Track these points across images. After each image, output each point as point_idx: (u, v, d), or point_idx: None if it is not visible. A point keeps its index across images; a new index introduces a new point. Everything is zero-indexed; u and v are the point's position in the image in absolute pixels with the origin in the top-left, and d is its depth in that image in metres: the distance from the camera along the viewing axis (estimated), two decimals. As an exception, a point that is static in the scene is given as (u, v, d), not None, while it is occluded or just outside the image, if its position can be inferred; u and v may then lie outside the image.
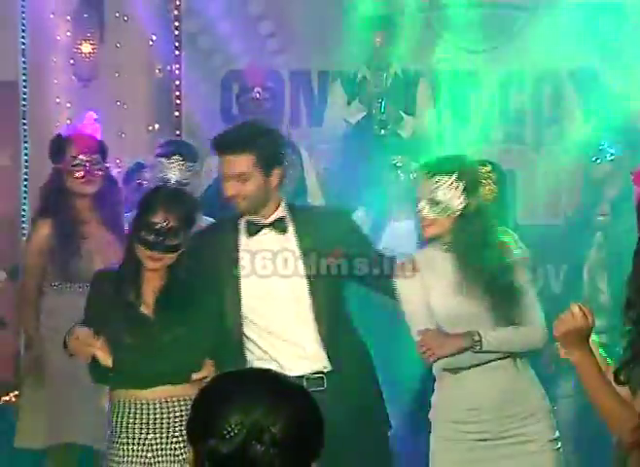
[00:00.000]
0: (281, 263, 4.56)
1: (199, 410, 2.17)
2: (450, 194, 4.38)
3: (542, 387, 4.50)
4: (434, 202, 4.38)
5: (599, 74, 7.03)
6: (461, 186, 4.36)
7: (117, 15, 7.29)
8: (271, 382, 2.22)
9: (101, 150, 5.26)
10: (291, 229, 4.56)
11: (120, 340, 4.32)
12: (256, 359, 4.57)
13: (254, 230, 4.50)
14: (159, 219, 4.28)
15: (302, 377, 4.48)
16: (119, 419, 4.24)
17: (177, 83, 7.43)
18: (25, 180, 7.06)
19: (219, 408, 2.14)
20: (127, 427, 4.14)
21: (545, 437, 4.36)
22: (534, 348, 4.43)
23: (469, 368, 4.36)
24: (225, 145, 4.49)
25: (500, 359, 4.37)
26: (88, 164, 5.17)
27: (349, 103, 7.26)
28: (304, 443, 2.12)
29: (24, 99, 7.21)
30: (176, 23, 7.39)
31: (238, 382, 2.24)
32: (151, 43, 7.36)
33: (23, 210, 6.91)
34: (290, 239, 4.55)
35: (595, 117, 6.65)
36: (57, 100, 7.20)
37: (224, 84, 7.60)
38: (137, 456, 4.31)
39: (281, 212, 4.48)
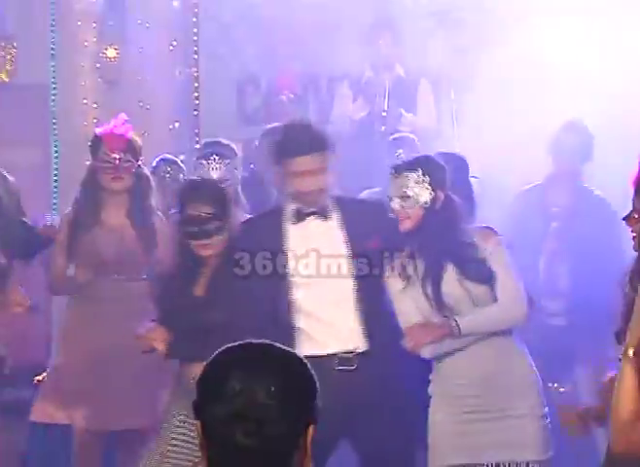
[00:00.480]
0: (325, 248, 4.66)
1: (202, 382, 2.21)
2: (418, 187, 4.48)
3: (531, 363, 4.48)
4: (404, 197, 4.48)
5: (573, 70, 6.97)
6: (427, 180, 4.46)
7: (139, 22, 7.31)
8: (269, 351, 2.27)
9: (132, 148, 5.30)
10: (335, 216, 4.66)
11: (180, 325, 4.52)
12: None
13: (301, 217, 4.62)
14: (194, 211, 4.48)
15: (334, 354, 4.57)
16: (171, 398, 4.49)
17: (196, 85, 7.50)
18: (55, 177, 7.00)
19: (220, 375, 2.19)
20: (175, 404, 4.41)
21: (532, 412, 4.40)
22: (514, 324, 4.49)
23: (454, 353, 4.42)
24: (304, 147, 4.59)
25: (483, 338, 4.41)
26: (117, 162, 5.21)
27: (354, 101, 7.42)
28: (299, 401, 2.17)
29: (54, 101, 7.25)
30: (195, 30, 7.43)
31: (238, 352, 2.28)
32: (171, 48, 7.41)
33: (54, 205, 6.86)
34: (334, 226, 4.66)
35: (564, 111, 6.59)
36: (84, 101, 7.26)
37: (239, 86, 7.81)
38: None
39: (325, 200, 4.64)
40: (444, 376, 4.50)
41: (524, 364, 4.49)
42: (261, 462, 2.16)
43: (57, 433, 5.56)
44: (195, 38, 7.45)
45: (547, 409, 4.42)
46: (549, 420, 4.40)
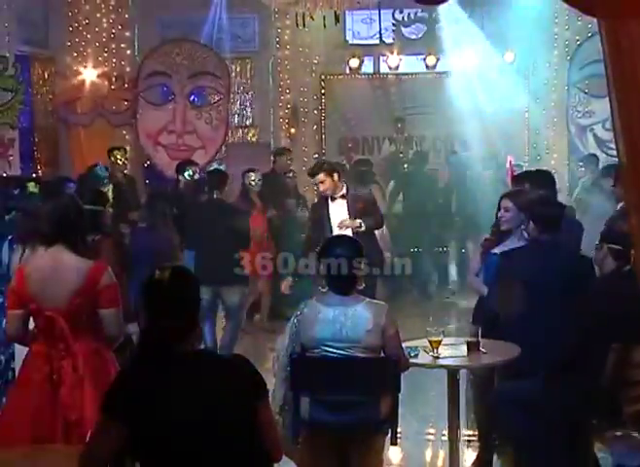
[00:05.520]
0: (342, 210, 7.60)
1: (321, 248, 4.29)
2: None
3: None
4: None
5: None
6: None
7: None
8: (344, 237, 4.67)
9: None
10: (345, 199, 7.64)
11: None
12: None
13: (333, 198, 7.66)
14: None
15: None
16: None
17: (323, 142, 13.14)
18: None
19: (327, 246, 4.37)
20: None
21: None
22: None
23: None
24: (325, 170, 7.57)
25: None
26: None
27: (390, 144, 13.67)
28: (359, 252, 4.35)
29: (269, 148, 12.26)
30: (323, 118, 13.11)
31: (336, 238, 4.94)
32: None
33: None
34: (344, 203, 7.66)
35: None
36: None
37: (339, 141, 13.58)
38: None
39: (342, 191, 7.65)
40: None
41: None
42: (345, 276, 4.31)
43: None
44: (324, 124, 13.23)
45: None
46: None
